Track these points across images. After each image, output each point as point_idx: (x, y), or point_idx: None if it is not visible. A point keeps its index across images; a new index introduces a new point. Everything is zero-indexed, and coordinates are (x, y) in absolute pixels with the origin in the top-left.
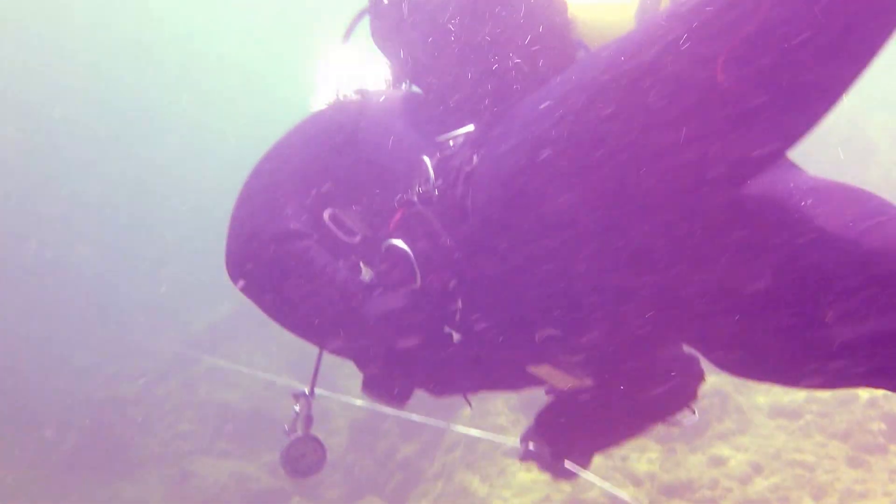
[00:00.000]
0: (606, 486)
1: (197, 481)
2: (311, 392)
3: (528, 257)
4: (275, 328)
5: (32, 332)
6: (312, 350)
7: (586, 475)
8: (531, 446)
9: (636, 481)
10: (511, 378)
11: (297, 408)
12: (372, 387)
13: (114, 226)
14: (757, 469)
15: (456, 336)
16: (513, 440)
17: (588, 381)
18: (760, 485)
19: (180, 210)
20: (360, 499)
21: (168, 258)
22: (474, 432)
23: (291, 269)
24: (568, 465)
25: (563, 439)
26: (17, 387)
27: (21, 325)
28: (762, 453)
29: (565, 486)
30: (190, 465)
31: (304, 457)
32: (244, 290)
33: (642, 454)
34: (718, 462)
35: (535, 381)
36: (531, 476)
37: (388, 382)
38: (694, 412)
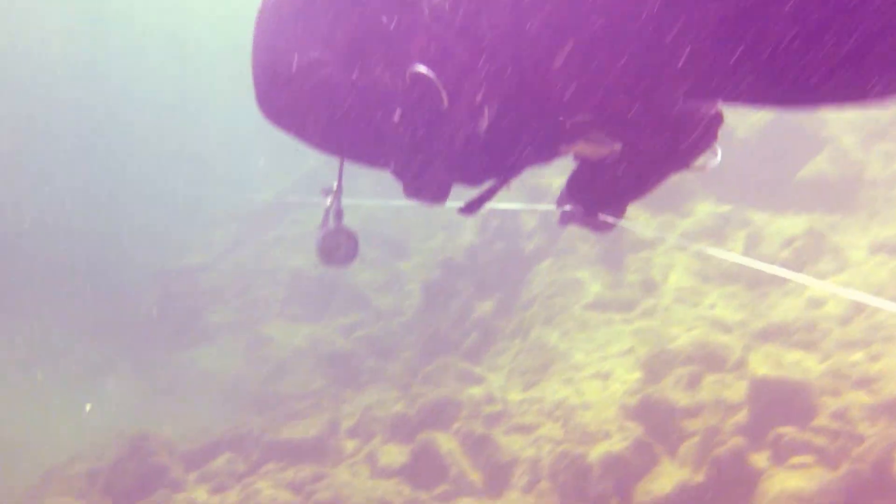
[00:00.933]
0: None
1: (272, 346)
2: (339, 187)
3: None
4: None
5: (107, 202)
6: None
7: (624, 223)
8: (567, 208)
9: (725, 328)
10: (542, 154)
11: (327, 202)
12: (412, 190)
13: None
14: (858, 309)
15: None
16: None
17: (617, 147)
18: (861, 324)
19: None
20: (435, 358)
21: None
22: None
23: (320, 97)
24: (604, 218)
25: (593, 195)
26: (93, 258)
27: (96, 193)
28: (863, 292)
29: (649, 338)
30: (264, 330)
31: (338, 248)
32: (276, 123)
33: (731, 301)
34: (815, 304)
35: (558, 154)
36: (613, 329)
37: (425, 183)
38: (716, 153)
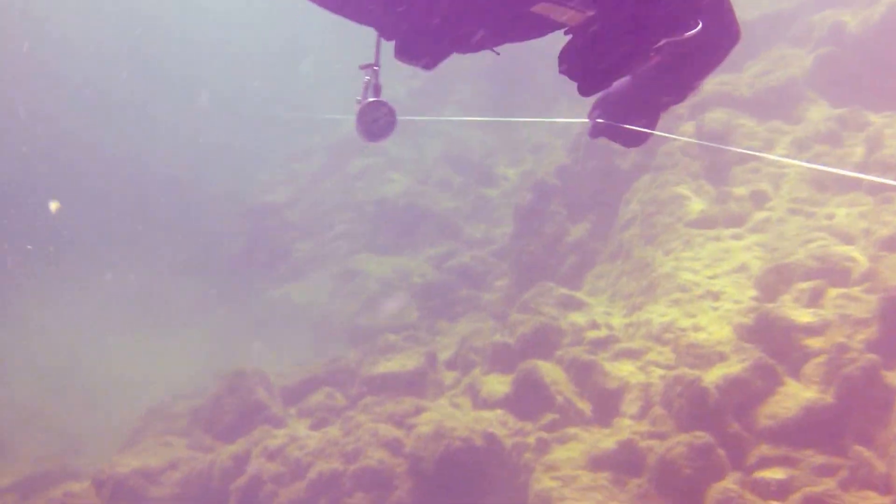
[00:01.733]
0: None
1: (362, 279)
2: (377, 62)
3: None
4: None
5: (193, 144)
6: None
7: (656, 133)
8: (597, 120)
9: (847, 239)
10: (524, 26)
11: (366, 78)
12: (403, 52)
13: None
14: None
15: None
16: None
17: (590, 11)
18: None
19: None
20: (531, 286)
21: None
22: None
23: None
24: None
25: (582, 64)
26: (182, 202)
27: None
28: None
29: (762, 253)
30: (353, 263)
31: (376, 121)
32: None
33: (851, 209)
34: None
35: (548, 26)
36: (722, 246)
37: (416, 47)
38: (697, 24)
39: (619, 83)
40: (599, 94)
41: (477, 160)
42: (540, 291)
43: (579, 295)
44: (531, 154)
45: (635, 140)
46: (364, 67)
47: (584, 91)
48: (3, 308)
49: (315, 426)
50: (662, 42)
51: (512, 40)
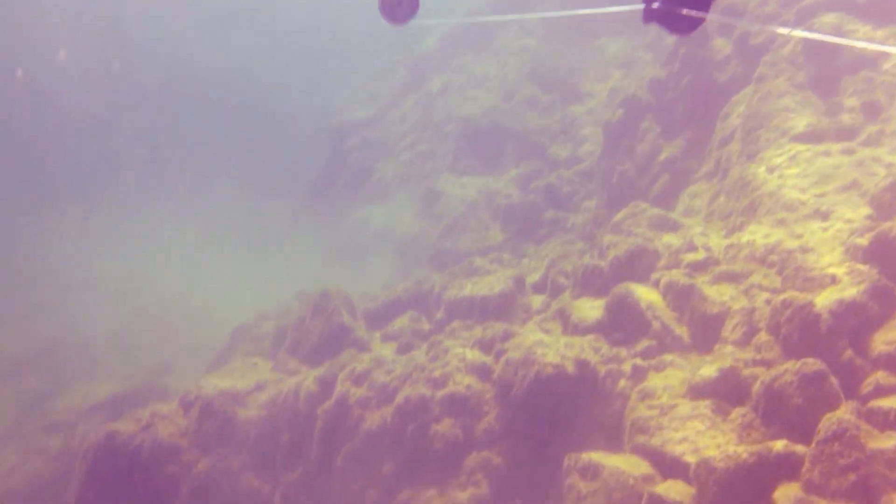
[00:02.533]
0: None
1: (445, 200)
2: None
3: None
4: None
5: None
6: None
7: (712, 17)
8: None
9: None
10: None
11: None
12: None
13: None
14: None
15: None
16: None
17: None
18: None
19: None
20: (622, 206)
21: None
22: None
23: None
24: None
25: None
26: (264, 123)
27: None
28: None
29: (877, 169)
30: (436, 184)
31: (399, 4)
32: None
33: None
34: None
35: None
36: (831, 161)
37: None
38: None
39: None
40: None
41: (562, 77)
42: (632, 212)
43: (673, 216)
44: (618, 70)
45: (687, 27)
46: None
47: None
48: (97, 232)
49: (401, 350)
50: None
51: None
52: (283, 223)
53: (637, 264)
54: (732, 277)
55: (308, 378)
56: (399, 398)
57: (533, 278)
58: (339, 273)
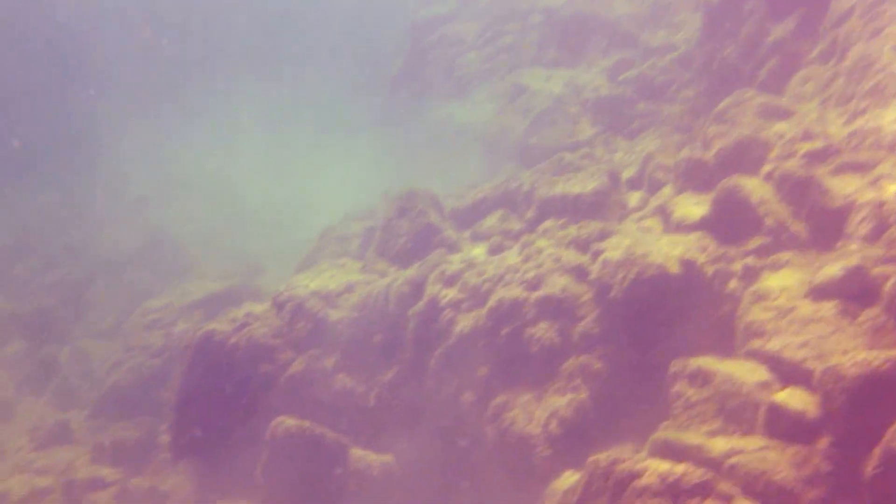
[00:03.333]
0: None
1: (530, 95)
2: None
3: None
4: None
5: None
6: None
7: None
8: None
9: None
10: None
11: None
12: None
13: None
14: None
15: None
16: None
17: None
18: None
19: None
20: (725, 95)
21: None
22: None
23: None
24: None
25: None
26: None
27: None
28: None
29: None
30: (520, 78)
31: None
32: None
33: None
34: None
35: None
36: None
37: None
38: None
39: None
40: None
41: None
42: (737, 100)
43: (784, 102)
44: None
45: None
46: None
47: None
48: (180, 129)
49: (492, 251)
50: None
51: None
52: (366, 119)
53: (746, 156)
54: (857, 167)
55: (398, 279)
56: (492, 300)
57: (628, 173)
58: (423, 170)
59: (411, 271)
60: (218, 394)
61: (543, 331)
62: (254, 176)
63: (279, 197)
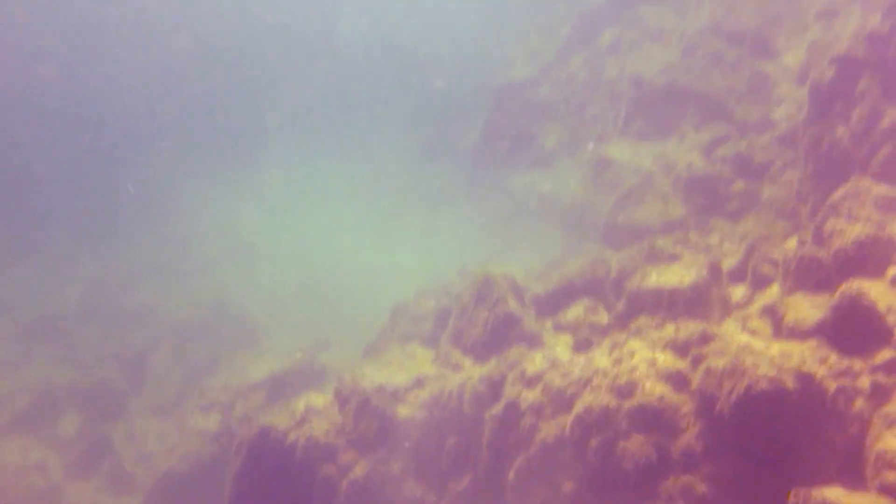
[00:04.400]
0: None
1: (617, 168)
2: None
3: None
4: None
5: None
6: None
7: None
8: None
9: None
10: None
11: None
12: None
13: None
14: None
15: None
16: None
17: None
18: None
19: None
20: (833, 181)
21: None
22: None
23: None
24: None
25: None
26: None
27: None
28: None
29: None
30: (606, 150)
31: None
32: None
33: None
34: None
35: None
36: None
37: None
38: None
39: None
40: None
41: (752, 29)
42: (852, 190)
43: None
44: (817, 22)
45: None
46: None
47: None
48: (253, 191)
49: (578, 348)
50: None
51: None
52: (443, 188)
53: (868, 256)
54: None
55: (473, 376)
56: (578, 406)
57: (729, 263)
58: (502, 243)
59: (488, 368)
60: (275, 498)
61: (638, 445)
62: (327, 246)
63: (353, 268)
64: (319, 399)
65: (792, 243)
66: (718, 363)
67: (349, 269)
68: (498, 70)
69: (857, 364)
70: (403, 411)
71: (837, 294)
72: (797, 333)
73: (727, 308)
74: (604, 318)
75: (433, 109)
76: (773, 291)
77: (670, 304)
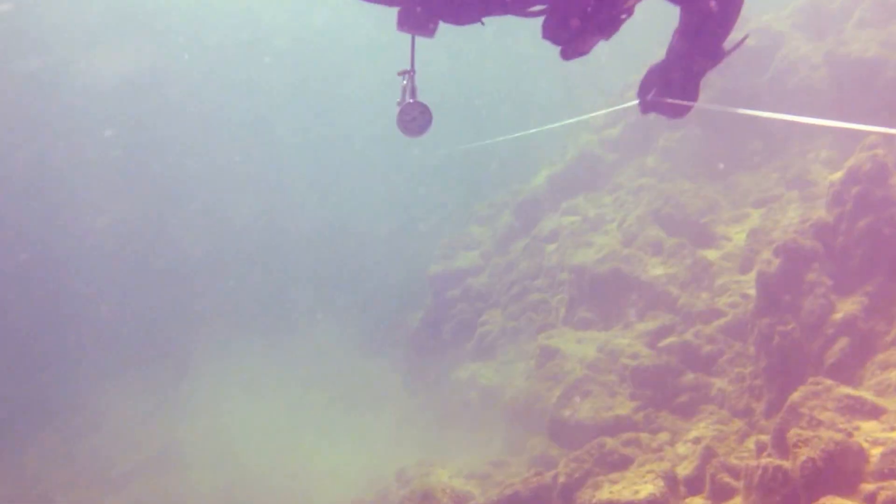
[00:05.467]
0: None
1: (560, 359)
2: (413, 68)
3: None
4: None
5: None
6: None
7: (700, 105)
8: (648, 97)
9: None
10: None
11: (404, 82)
12: (403, 22)
13: None
14: None
15: None
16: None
17: None
18: None
19: None
20: (786, 375)
21: None
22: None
23: None
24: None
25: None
26: (358, 270)
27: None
28: None
29: None
30: (550, 340)
31: (413, 120)
32: None
33: None
34: None
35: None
36: None
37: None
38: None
39: (657, 61)
40: (644, 75)
41: (691, 217)
42: (813, 391)
43: (867, 395)
44: (755, 209)
45: (681, 111)
46: (401, 73)
47: (565, 55)
48: (190, 394)
49: None
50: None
51: (500, 13)
52: (383, 384)
53: (838, 468)
54: None
55: None
56: None
57: (685, 469)
58: (443, 438)
59: None
60: None
61: None
62: (259, 446)
63: (286, 471)
64: None
65: (750, 444)
66: None
67: (282, 472)
68: (438, 257)
69: None
70: None
71: None
72: None
73: None
74: None
75: (373, 299)
76: None
77: None
